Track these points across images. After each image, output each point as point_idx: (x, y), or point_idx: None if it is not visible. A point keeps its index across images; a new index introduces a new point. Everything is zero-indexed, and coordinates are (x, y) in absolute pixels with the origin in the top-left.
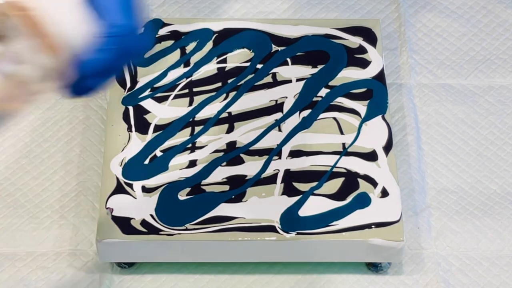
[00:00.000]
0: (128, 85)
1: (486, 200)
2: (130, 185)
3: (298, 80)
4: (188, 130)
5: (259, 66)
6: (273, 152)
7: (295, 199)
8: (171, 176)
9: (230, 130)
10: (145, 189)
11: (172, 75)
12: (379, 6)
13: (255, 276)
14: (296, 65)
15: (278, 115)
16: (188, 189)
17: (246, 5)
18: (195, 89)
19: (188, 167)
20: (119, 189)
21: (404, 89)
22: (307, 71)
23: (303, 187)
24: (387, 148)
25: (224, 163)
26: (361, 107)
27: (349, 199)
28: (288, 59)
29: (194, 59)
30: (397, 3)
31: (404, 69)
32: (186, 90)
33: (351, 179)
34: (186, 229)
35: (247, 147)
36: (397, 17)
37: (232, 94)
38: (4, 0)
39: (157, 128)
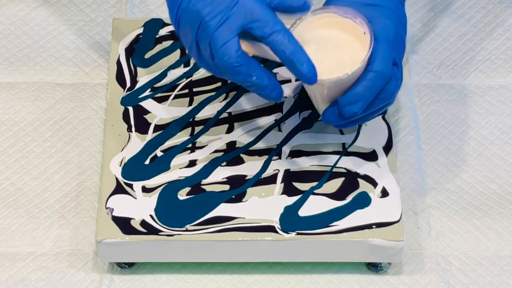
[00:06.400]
0: (128, 85)
1: (486, 200)
2: (130, 185)
3: (298, 80)
4: (188, 130)
5: None
6: (273, 152)
7: (295, 198)
8: (171, 176)
9: (230, 130)
10: (145, 189)
11: (172, 75)
12: None
13: (255, 276)
14: None
15: (278, 115)
16: (188, 189)
17: None
18: (195, 89)
19: (188, 166)
20: (119, 189)
21: (404, 89)
22: None
23: (303, 187)
24: (387, 148)
25: (224, 163)
26: None
27: (349, 199)
28: None
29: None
30: None
31: (404, 69)
32: (186, 90)
33: (351, 179)
34: (186, 230)
35: (247, 147)
36: None
37: (232, 94)
38: None
39: (157, 128)
